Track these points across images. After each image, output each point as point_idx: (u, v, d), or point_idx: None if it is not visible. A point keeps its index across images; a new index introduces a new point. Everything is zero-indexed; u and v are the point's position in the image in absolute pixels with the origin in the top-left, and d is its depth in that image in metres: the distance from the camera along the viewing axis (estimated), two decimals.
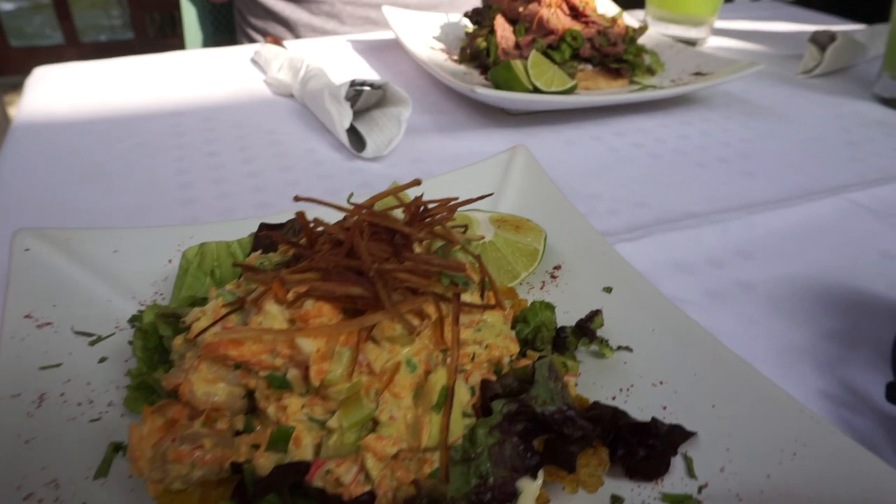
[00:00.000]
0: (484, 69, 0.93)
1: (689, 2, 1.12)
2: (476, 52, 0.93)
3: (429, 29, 1.05)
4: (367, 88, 0.75)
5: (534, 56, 0.83)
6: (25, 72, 0.95)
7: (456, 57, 0.97)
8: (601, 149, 0.77)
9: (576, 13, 0.91)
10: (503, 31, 0.91)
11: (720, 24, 1.24)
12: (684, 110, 0.87)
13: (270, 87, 0.91)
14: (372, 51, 1.08)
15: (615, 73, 0.89)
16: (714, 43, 1.17)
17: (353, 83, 0.74)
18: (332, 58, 1.03)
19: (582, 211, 0.54)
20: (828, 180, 0.71)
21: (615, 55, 0.89)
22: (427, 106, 0.87)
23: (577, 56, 0.90)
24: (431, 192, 0.48)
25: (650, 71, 0.92)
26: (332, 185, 0.68)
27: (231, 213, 0.63)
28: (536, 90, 0.81)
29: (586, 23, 0.91)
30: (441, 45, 1.02)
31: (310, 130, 0.79)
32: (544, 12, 0.88)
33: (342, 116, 0.73)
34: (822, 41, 1.06)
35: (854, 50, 1.05)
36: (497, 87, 0.83)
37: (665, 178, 0.71)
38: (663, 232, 0.60)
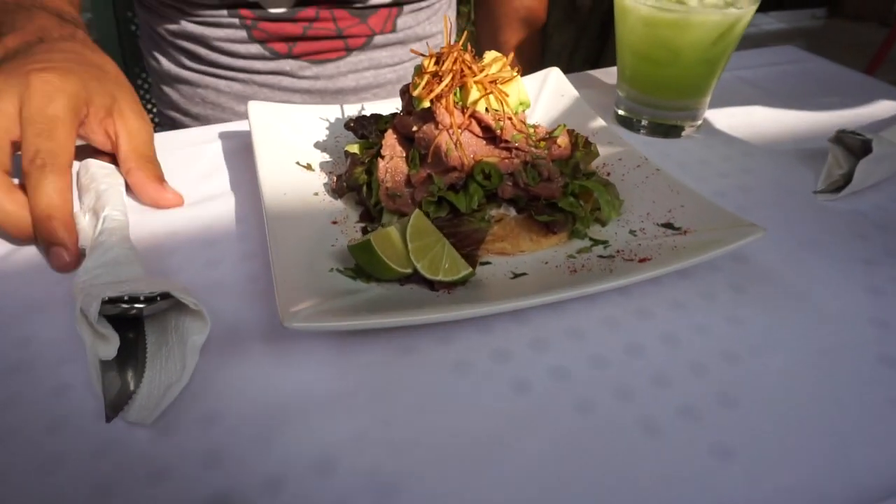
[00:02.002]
0: (365, 213, 0.66)
1: (679, 84, 0.83)
2: (354, 185, 0.66)
3: (319, 131, 0.78)
4: (137, 305, 0.48)
5: (416, 219, 0.56)
6: None
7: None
8: (502, 388, 0.50)
9: (492, 136, 0.63)
10: (391, 159, 0.64)
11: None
12: (643, 292, 0.59)
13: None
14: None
15: (547, 225, 0.62)
16: (704, 127, 0.88)
17: (111, 299, 0.47)
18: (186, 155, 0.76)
19: None
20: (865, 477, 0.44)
21: (549, 197, 0.62)
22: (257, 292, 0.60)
23: (494, 197, 0.63)
24: None
25: (599, 221, 0.64)
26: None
27: None
28: (416, 276, 0.55)
29: (508, 149, 0.63)
30: (331, 162, 0.75)
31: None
32: (443, 141, 0.61)
33: (94, 345, 0.47)
34: (851, 146, 0.77)
35: (893, 162, 0.76)
36: (356, 272, 0.56)
37: (590, 461, 0.44)
38: None
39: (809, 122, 0.91)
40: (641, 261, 0.56)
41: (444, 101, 0.61)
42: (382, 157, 0.64)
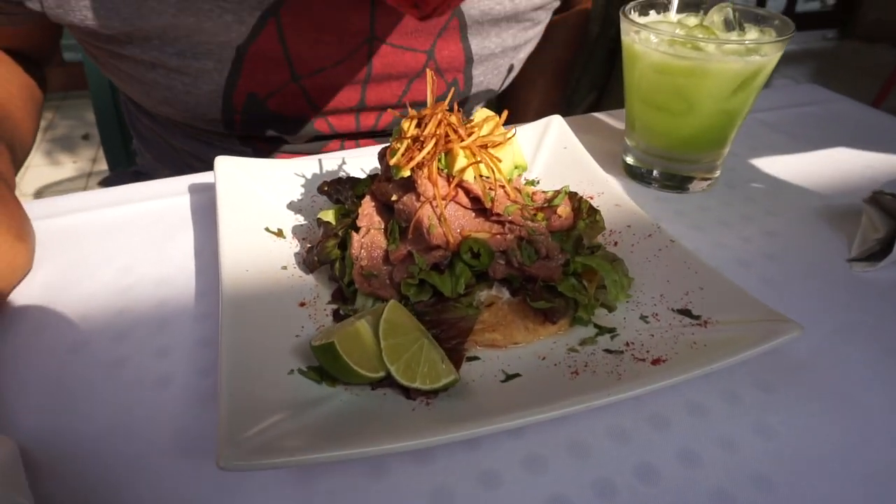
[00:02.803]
0: (338, 292, 0.58)
1: (694, 136, 0.75)
2: (326, 260, 0.58)
3: (294, 189, 0.70)
4: None
5: (390, 312, 0.48)
6: None
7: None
8: None
9: (481, 208, 0.55)
10: (367, 232, 0.56)
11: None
12: (656, 394, 0.50)
13: None
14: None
15: (545, 313, 0.53)
16: (723, 179, 0.80)
17: None
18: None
19: None
20: None
21: (547, 279, 0.54)
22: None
23: (485, 277, 0.54)
24: None
25: (605, 305, 0.55)
26: None
27: None
28: (389, 380, 0.46)
29: (500, 222, 0.55)
30: (306, 226, 0.67)
31: None
32: (425, 215, 0.53)
33: None
34: (888, 207, 0.69)
35: None
36: (321, 374, 0.48)
37: None
38: None
39: (839, 175, 0.83)
40: (655, 362, 0.48)
41: (426, 169, 0.53)
42: (357, 230, 0.56)
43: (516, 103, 1.17)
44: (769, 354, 0.53)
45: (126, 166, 1.43)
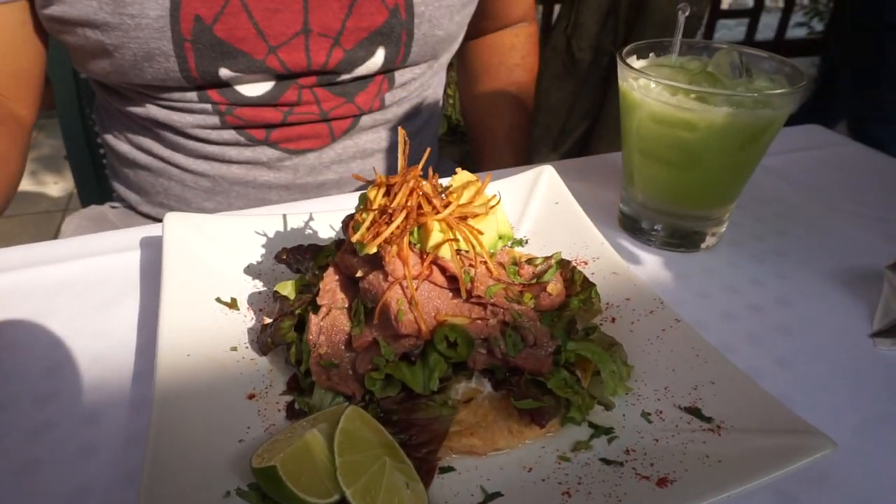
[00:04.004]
0: (294, 380, 0.50)
1: (697, 191, 0.68)
2: (280, 342, 0.50)
3: (254, 250, 0.63)
4: None
5: (347, 421, 0.41)
6: None
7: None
8: None
9: (456, 288, 0.47)
10: (327, 312, 0.49)
11: None
12: None
13: None
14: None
15: (531, 414, 0.46)
16: (728, 235, 0.73)
17: None
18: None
19: None
20: None
21: (534, 372, 0.46)
22: None
23: (463, 367, 0.47)
24: None
25: (602, 403, 0.48)
26: None
27: None
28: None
29: (481, 305, 0.48)
30: (265, 294, 0.59)
31: None
32: (393, 299, 0.45)
33: None
34: None
35: None
36: (262, 497, 0.40)
37: None
38: None
39: (853, 230, 0.76)
40: (661, 482, 0.41)
41: (395, 245, 0.46)
42: (316, 311, 0.49)
43: (483, 131, 1.16)
44: None
45: (98, 196, 1.35)
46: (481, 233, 0.48)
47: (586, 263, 0.62)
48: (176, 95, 0.86)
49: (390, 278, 0.46)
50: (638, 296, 0.56)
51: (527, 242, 0.66)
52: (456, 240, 0.46)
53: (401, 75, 0.92)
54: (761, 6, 4.30)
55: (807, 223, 0.78)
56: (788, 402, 0.52)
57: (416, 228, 0.46)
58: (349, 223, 0.50)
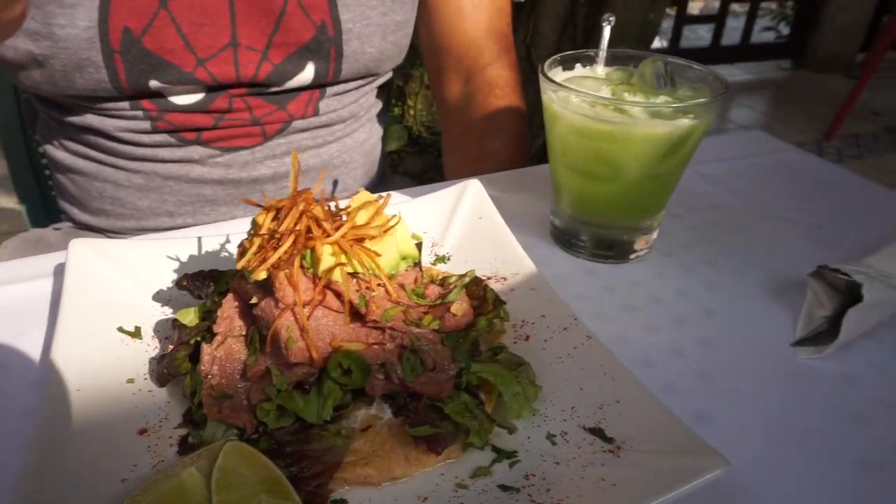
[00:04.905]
0: (188, 414, 0.48)
1: (622, 203, 0.68)
2: (175, 373, 0.48)
3: (165, 275, 0.61)
4: None
5: (226, 458, 0.39)
6: None
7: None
8: None
9: (357, 311, 0.46)
10: (222, 341, 0.47)
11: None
12: None
13: None
14: None
15: (428, 440, 0.44)
16: (659, 244, 0.72)
17: None
18: None
19: None
20: None
21: (433, 397, 0.45)
22: None
23: (363, 394, 0.46)
24: None
25: (504, 426, 0.47)
26: None
27: None
28: None
29: (379, 329, 0.46)
30: (172, 321, 0.57)
31: None
32: (283, 326, 0.44)
33: None
34: (836, 285, 0.62)
35: (891, 305, 0.60)
36: None
37: None
38: None
39: (786, 239, 0.76)
40: None
41: (285, 270, 0.44)
42: (210, 339, 0.47)
43: (479, 157, 1.02)
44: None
45: (47, 219, 1.33)
46: (378, 255, 0.46)
47: (506, 279, 0.61)
48: (108, 105, 0.86)
49: (281, 304, 0.44)
50: (553, 313, 0.55)
51: (449, 259, 0.65)
52: (347, 263, 0.45)
53: (334, 88, 0.92)
54: (726, 11, 4.36)
55: (740, 231, 0.78)
56: (704, 418, 0.51)
57: (308, 253, 0.45)
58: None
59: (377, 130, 1.08)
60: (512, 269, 0.61)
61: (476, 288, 0.54)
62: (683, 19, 4.35)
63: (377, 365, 0.45)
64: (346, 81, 0.92)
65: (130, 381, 0.50)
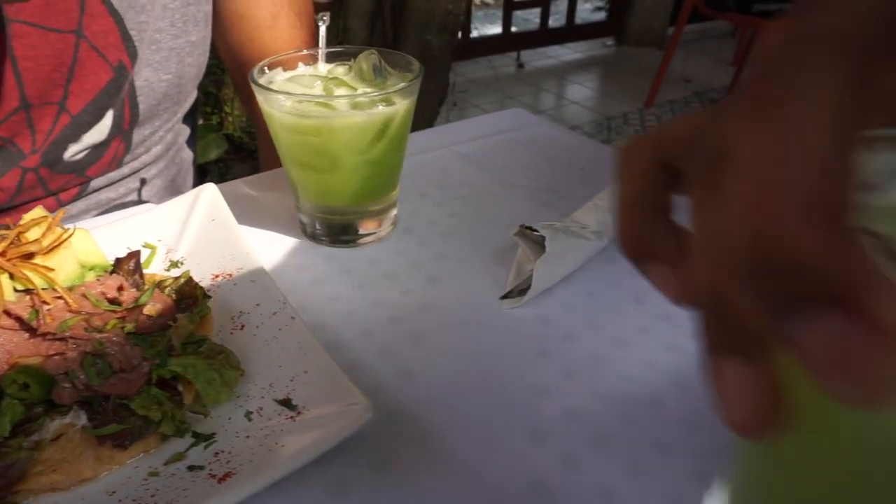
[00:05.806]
0: None
1: (347, 190, 0.72)
2: None
3: None
4: None
5: None
6: None
7: None
8: None
9: (30, 329, 0.47)
10: None
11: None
12: None
13: None
14: None
15: (112, 438, 0.47)
16: (403, 223, 0.78)
17: None
18: None
19: None
20: None
21: (123, 396, 0.47)
22: None
23: (51, 406, 0.47)
24: None
25: (198, 412, 0.50)
26: None
27: None
28: None
29: (61, 339, 0.48)
30: None
31: None
32: None
33: None
34: (537, 241, 0.70)
35: (579, 252, 0.70)
36: None
37: None
38: None
39: (516, 205, 0.84)
40: (223, 478, 0.43)
41: None
42: None
43: None
44: (384, 428, 0.50)
45: None
46: (51, 269, 0.48)
47: (231, 276, 0.64)
48: None
49: None
50: (267, 300, 0.59)
51: (182, 263, 0.67)
52: (15, 281, 0.46)
53: (139, 133, 0.88)
54: None
55: (479, 203, 0.85)
56: (408, 374, 0.57)
57: None
58: None
59: (188, 157, 1.06)
60: (238, 265, 0.64)
61: (188, 287, 0.57)
62: (511, 5, 4.56)
63: (62, 374, 0.46)
64: (147, 122, 0.88)
65: None
